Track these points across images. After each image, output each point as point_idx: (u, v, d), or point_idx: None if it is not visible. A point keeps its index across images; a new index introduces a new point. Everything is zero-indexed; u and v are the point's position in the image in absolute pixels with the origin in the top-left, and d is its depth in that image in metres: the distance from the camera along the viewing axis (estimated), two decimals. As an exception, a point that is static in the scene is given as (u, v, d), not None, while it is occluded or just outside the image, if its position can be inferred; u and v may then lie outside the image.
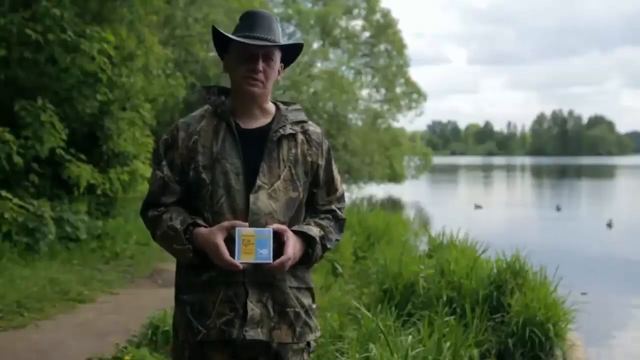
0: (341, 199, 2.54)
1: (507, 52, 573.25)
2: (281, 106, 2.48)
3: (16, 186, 9.57)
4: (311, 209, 2.45)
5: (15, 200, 9.04)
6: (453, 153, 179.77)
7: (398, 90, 29.42)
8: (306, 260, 2.34)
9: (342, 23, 28.45)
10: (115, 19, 11.10)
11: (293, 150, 2.37)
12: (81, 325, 6.39)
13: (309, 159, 2.40)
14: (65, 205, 10.18)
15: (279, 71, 2.44)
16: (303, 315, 2.36)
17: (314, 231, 2.34)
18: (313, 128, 2.47)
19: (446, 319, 5.93)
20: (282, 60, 2.45)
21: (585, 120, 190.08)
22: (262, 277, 2.27)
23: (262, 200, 2.27)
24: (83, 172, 10.28)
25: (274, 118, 2.42)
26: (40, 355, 5.44)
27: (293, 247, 2.25)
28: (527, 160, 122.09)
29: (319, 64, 26.86)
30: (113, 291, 7.95)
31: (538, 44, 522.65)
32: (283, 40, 2.43)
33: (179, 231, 2.26)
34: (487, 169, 76.68)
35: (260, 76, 2.33)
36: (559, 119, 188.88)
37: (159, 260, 10.26)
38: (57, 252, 9.24)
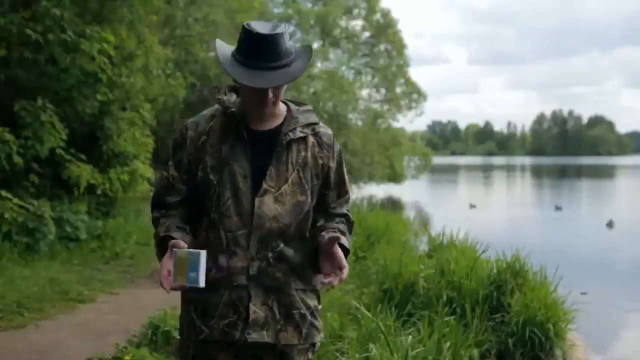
0: (349, 200, 2.52)
1: (507, 52, 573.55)
2: (292, 107, 2.43)
3: (16, 186, 9.57)
4: (323, 211, 2.42)
5: (15, 200, 9.04)
6: (453, 153, 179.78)
7: (398, 90, 29.45)
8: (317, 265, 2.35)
9: (342, 23, 28.48)
10: (115, 19, 11.11)
11: (303, 154, 2.33)
12: (81, 325, 6.39)
13: (320, 161, 2.36)
14: (65, 205, 10.18)
15: None
16: (309, 316, 2.36)
17: (342, 239, 2.31)
18: (324, 130, 2.43)
19: (446, 319, 5.93)
20: None
21: (585, 120, 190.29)
22: (267, 280, 2.27)
23: (267, 204, 2.25)
24: (83, 172, 10.29)
25: (284, 120, 2.38)
26: (40, 355, 5.44)
27: (344, 258, 2.24)
28: (527, 160, 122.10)
29: (319, 64, 26.87)
30: (113, 291, 7.95)
31: (538, 44, 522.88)
32: (293, 45, 2.35)
33: (156, 240, 2.31)
34: (487, 169, 76.69)
35: (271, 100, 2.28)
36: (559, 119, 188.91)
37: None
38: (57, 252, 9.24)
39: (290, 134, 2.32)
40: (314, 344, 2.40)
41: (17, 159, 9.16)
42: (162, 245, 2.26)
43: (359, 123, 27.83)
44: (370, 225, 11.40)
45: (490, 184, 50.55)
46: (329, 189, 2.42)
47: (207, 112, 2.43)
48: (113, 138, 11.27)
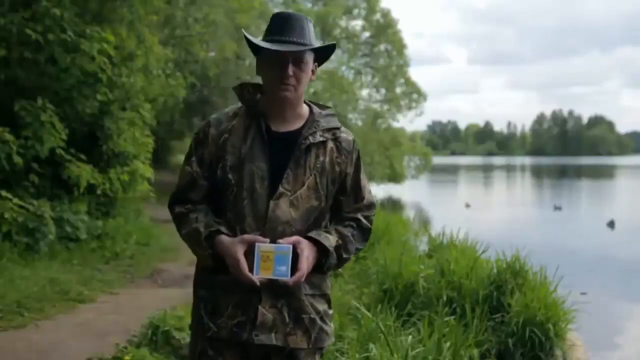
0: (370, 207, 2.49)
1: (507, 52, 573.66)
2: (315, 110, 2.43)
3: (16, 186, 9.56)
4: (337, 215, 2.42)
5: (15, 200, 9.03)
6: (453, 153, 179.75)
7: (398, 90, 29.46)
8: (319, 269, 2.33)
9: (342, 23, 28.49)
10: (115, 19, 11.10)
11: (321, 158, 2.33)
12: (81, 325, 6.39)
13: (337, 168, 2.36)
14: (65, 205, 10.18)
15: (312, 71, 2.38)
16: (318, 321, 2.35)
17: (330, 240, 2.31)
18: (345, 135, 2.41)
19: (446, 319, 5.93)
20: (315, 60, 2.40)
21: (585, 120, 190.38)
22: (278, 284, 2.26)
23: (282, 207, 2.25)
24: (83, 172, 10.28)
25: (306, 122, 2.38)
26: (40, 355, 5.44)
27: (307, 260, 2.23)
28: (527, 160, 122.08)
29: (319, 64, 26.81)
30: (113, 291, 7.95)
31: (538, 44, 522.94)
32: (316, 41, 2.38)
33: (202, 235, 2.26)
34: (487, 169, 76.69)
35: (292, 80, 2.27)
36: (559, 119, 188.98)
37: (159, 260, 10.27)
38: (57, 252, 9.24)
39: (310, 137, 2.32)
40: (322, 347, 2.40)
41: (17, 159, 9.15)
42: (210, 239, 2.25)
43: (359, 123, 27.85)
44: (370, 225, 11.40)
45: (490, 183, 50.55)
46: (345, 194, 2.41)
47: (230, 109, 2.43)
48: (113, 138, 11.27)
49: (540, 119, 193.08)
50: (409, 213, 20.85)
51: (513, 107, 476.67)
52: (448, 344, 5.28)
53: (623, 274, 12.26)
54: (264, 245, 2.15)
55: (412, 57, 33.01)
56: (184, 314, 5.58)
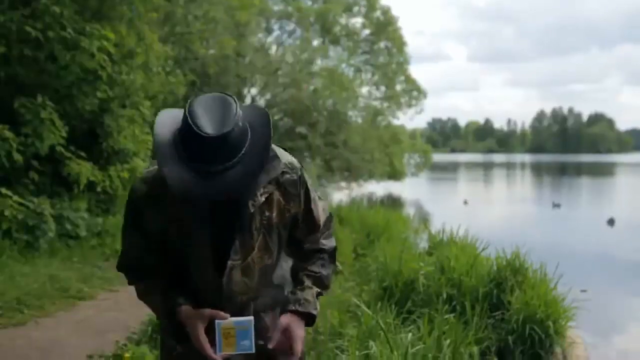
0: (328, 225, 2.31)
1: (507, 50, 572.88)
2: None
3: (16, 184, 9.57)
4: (299, 251, 2.27)
5: (15, 197, 9.04)
6: (453, 150, 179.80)
7: (398, 87, 29.43)
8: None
9: (342, 20, 28.43)
10: (115, 17, 11.10)
11: (267, 214, 2.10)
12: (81, 322, 6.40)
13: (287, 214, 2.15)
14: (65, 202, 10.18)
15: None
16: None
17: (311, 301, 2.19)
18: (289, 177, 2.13)
19: (446, 316, 5.93)
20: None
21: (585, 117, 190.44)
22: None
23: (235, 280, 2.09)
24: (83, 169, 10.29)
25: None
26: (40, 353, 5.44)
27: (300, 340, 2.13)
28: (527, 158, 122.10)
29: (318, 62, 26.85)
30: (113, 288, 7.95)
31: (537, 41, 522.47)
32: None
33: (166, 312, 2.15)
34: (487, 166, 76.71)
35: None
36: (558, 117, 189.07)
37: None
38: (57, 249, 9.25)
39: (253, 202, 2.06)
40: None
41: (17, 157, 9.16)
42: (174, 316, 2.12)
43: (359, 120, 27.81)
44: (370, 223, 11.41)
45: (490, 181, 50.57)
46: (297, 228, 2.23)
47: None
48: (113, 135, 11.28)
49: (540, 116, 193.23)
50: (409, 210, 20.87)
51: (513, 105, 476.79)
52: (448, 341, 5.29)
53: (623, 272, 12.26)
54: (224, 322, 2.05)
55: (412, 55, 33.12)
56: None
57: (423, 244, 9.90)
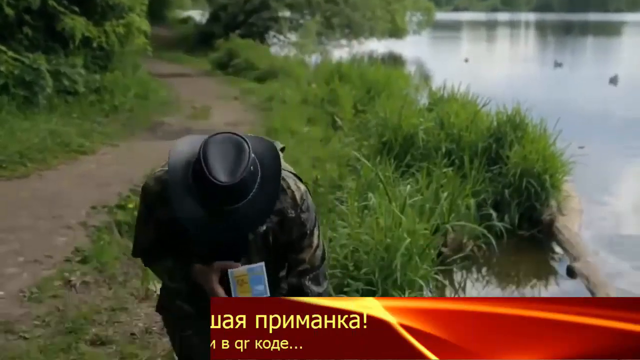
0: (315, 268, 2.22)
1: None
2: None
3: (10, 39, 9.36)
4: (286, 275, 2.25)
5: (10, 53, 8.88)
6: (456, 9, 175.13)
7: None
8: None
9: None
10: None
11: (264, 240, 2.12)
12: (83, 175, 6.48)
13: (281, 241, 2.14)
14: (62, 58, 10.01)
15: None
16: None
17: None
18: (290, 214, 2.11)
19: (444, 169, 6.01)
20: None
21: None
22: None
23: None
24: (77, 24, 10.03)
25: None
26: (44, 203, 5.54)
27: None
28: (532, 17, 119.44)
29: None
30: (113, 143, 8.01)
31: None
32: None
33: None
34: (490, 25, 75.07)
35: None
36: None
37: (158, 113, 10.27)
38: (56, 105, 9.21)
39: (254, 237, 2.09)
40: None
41: (8, 10, 8.92)
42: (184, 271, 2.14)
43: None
44: (371, 79, 11.30)
45: (493, 40, 49.63)
46: (288, 258, 2.21)
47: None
48: (107, -11, 10.91)
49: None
50: (410, 68, 20.60)
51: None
52: (445, 193, 5.38)
53: (622, 130, 12.28)
54: (236, 270, 2.07)
55: None
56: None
57: (423, 100, 9.83)
